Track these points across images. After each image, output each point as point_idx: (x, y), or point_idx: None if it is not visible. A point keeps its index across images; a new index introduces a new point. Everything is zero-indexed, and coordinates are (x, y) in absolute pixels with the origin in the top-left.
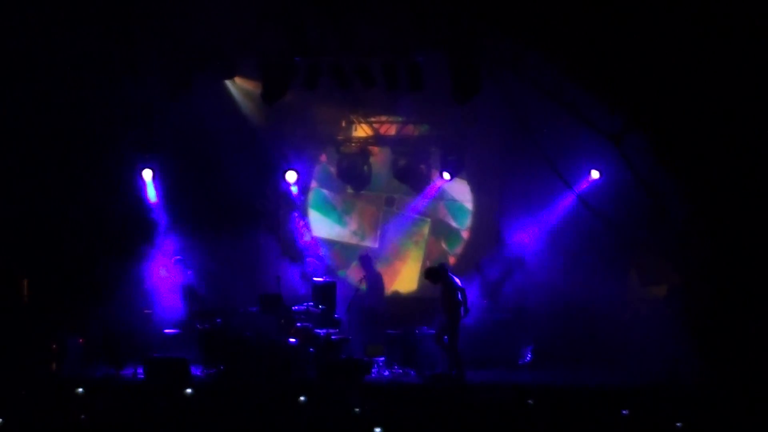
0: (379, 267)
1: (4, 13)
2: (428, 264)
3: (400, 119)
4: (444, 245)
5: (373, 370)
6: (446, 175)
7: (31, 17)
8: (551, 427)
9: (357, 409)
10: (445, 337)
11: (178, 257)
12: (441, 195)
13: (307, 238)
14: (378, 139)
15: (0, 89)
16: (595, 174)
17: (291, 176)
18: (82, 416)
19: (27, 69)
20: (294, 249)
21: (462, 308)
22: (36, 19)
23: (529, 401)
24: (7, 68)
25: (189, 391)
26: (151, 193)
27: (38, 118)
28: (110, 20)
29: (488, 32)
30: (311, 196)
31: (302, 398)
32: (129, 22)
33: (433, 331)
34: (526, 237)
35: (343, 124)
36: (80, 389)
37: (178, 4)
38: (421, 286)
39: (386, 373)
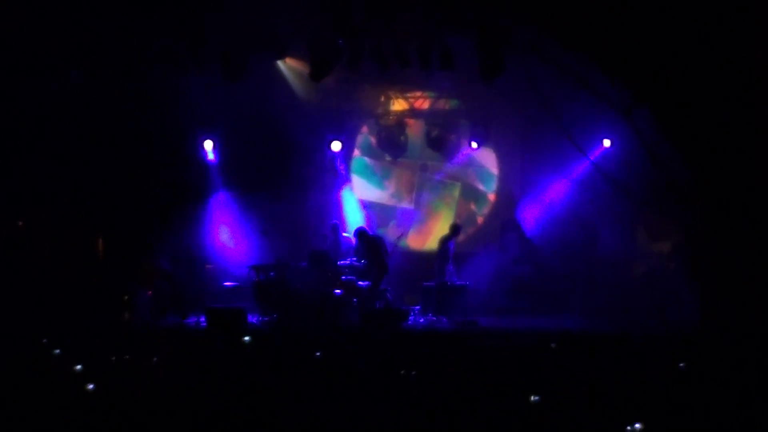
0: (415, 226)
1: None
2: (458, 222)
3: (433, 94)
4: (473, 207)
5: (409, 318)
6: (474, 144)
7: (113, 17)
8: (571, 366)
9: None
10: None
11: None
12: (470, 162)
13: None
14: (413, 113)
15: (89, 78)
16: (606, 143)
17: (336, 145)
18: (154, 359)
19: (113, 61)
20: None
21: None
22: (117, 16)
23: (552, 345)
24: (97, 61)
25: (246, 338)
26: (211, 157)
27: (114, 98)
28: (178, 15)
29: (511, 18)
30: (354, 163)
31: (346, 343)
32: (192, 15)
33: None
34: (546, 199)
35: (382, 99)
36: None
37: None
38: None
39: (421, 320)
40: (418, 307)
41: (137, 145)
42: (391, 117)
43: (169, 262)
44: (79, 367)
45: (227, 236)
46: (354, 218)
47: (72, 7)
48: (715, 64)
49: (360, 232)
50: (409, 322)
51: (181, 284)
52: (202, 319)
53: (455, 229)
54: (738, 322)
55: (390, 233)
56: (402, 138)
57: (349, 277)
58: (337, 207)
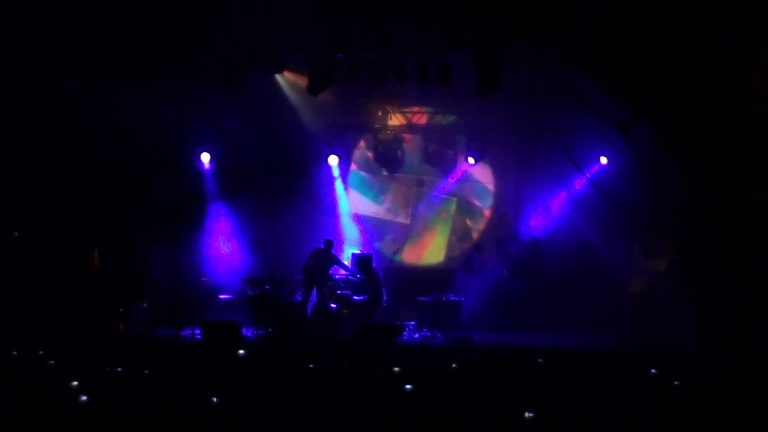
0: (410, 241)
1: (88, 31)
2: (454, 239)
3: (430, 110)
4: (468, 222)
5: (404, 333)
6: (471, 160)
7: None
8: (566, 383)
9: (396, 369)
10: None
11: None
12: (466, 177)
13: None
14: (410, 128)
15: (86, 89)
16: (603, 160)
17: (333, 160)
18: (146, 371)
19: (111, 72)
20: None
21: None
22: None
23: (539, 360)
24: (96, 72)
25: (241, 351)
26: (207, 166)
27: (112, 110)
28: (176, 28)
29: (508, 34)
30: (351, 178)
31: (341, 358)
32: (191, 30)
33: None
34: (542, 216)
35: (380, 113)
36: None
37: (233, 10)
38: (447, 258)
39: (416, 335)
40: (413, 323)
41: (134, 157)
42: (388, 132)
43: (165, 274)
44: (75, 383)
45: (223, 248)
46: (350, 232)
47: (70, 18)
48: (713, 81)
49: (369, 263)
50: (404, 337)
51: (176, 296)
52: (197, 331)
53: (480, 249)
54: (734, 339)
55: (386, 248)
56: (399, 153)
57: (344, 291)
58: (333, 220)
